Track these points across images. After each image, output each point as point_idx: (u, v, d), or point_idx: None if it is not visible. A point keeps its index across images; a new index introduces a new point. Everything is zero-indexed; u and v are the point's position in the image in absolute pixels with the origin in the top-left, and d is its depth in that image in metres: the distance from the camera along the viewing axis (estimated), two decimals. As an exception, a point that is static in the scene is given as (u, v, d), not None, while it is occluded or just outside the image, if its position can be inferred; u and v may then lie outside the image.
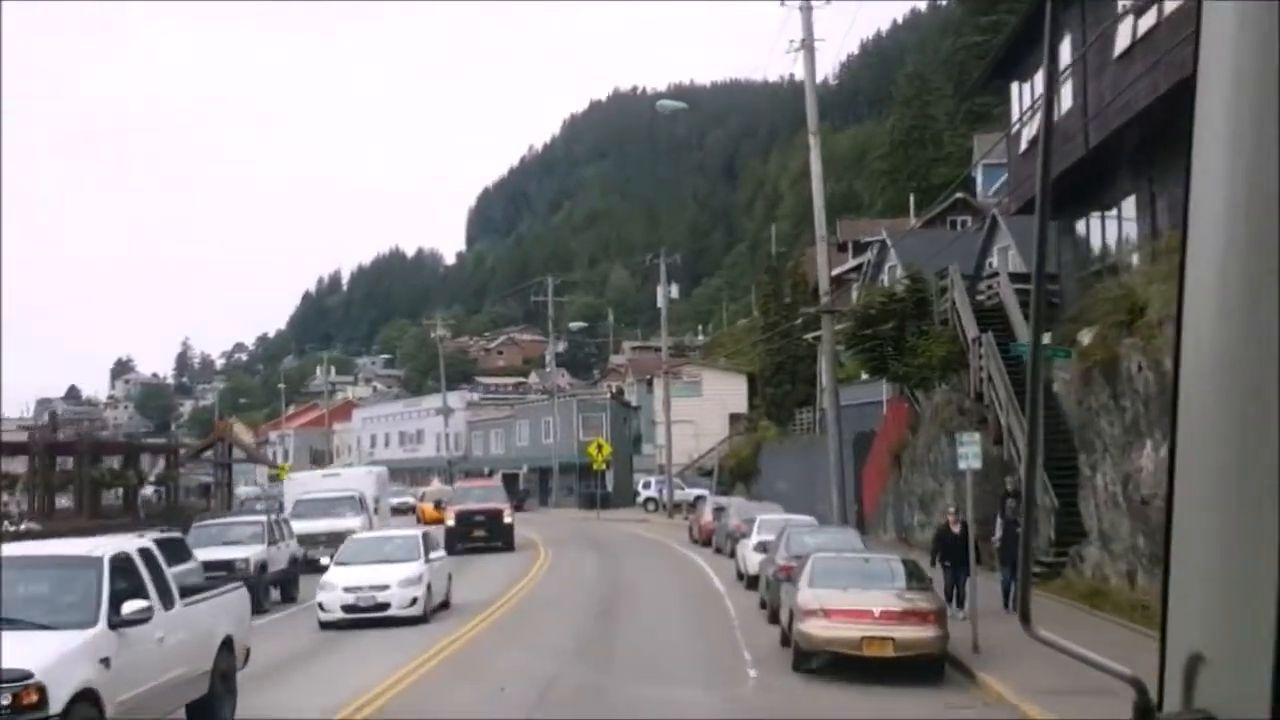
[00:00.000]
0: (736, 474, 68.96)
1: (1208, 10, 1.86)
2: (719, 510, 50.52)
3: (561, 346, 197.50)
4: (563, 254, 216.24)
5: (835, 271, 66.68)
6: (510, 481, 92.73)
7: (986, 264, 49.46)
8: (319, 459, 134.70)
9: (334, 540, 43.00)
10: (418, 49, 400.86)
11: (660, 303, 75.56)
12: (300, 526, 43.74)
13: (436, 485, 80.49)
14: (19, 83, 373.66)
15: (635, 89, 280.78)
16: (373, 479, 48.14)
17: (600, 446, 75.13)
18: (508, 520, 49.93)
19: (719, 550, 47.51)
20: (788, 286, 63.17)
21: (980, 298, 42.15)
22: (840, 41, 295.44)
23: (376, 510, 46.72)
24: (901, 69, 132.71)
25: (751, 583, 34.34)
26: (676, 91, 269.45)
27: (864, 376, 55.42)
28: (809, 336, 57.97)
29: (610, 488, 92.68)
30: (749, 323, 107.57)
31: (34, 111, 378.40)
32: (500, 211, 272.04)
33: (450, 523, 48.43)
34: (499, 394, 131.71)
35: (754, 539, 35.18)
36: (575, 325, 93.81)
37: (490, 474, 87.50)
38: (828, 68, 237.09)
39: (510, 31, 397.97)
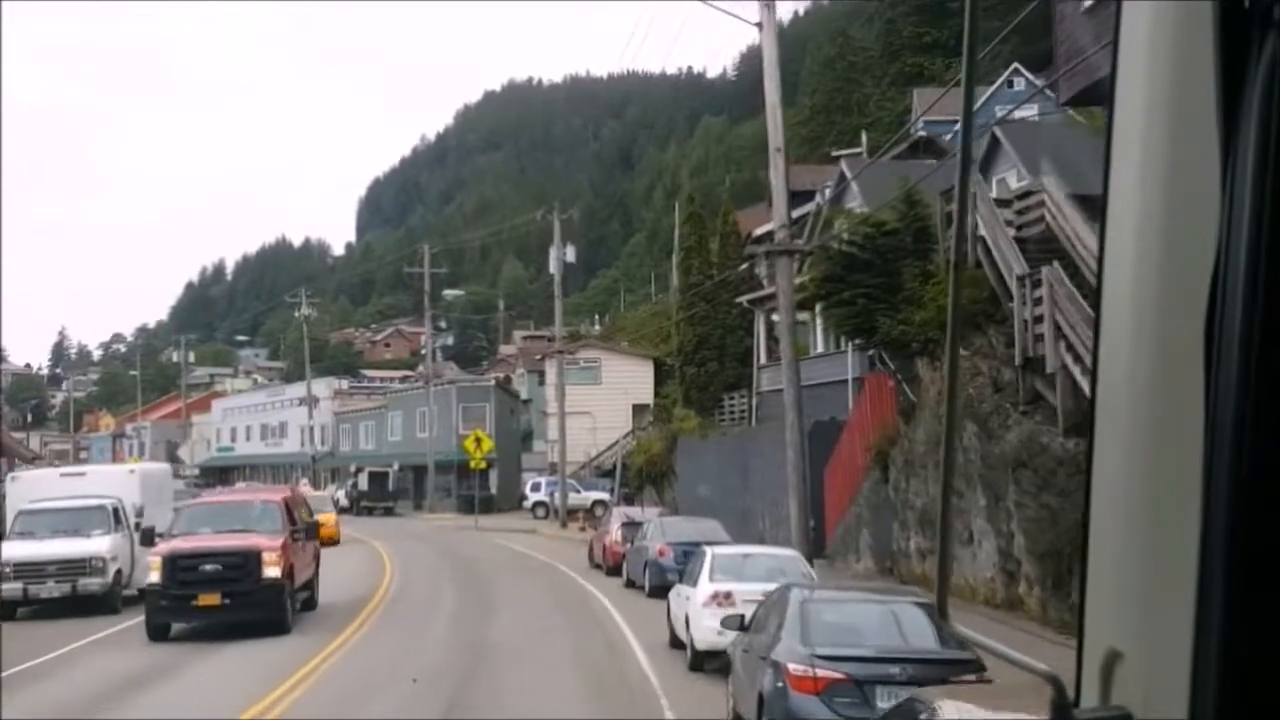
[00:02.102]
0: (645, 475, 54.23)
1: (1127, 10, 1.79)
2: (630, 526, 35.72)
3: (450, 339, 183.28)
4: (454, 245, 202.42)
5: (764, 229, 52.31)
6: (378, 480, 77.32)
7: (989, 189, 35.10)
8: (174, 454, 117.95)
9: (69, 571, 27.98)
10: (309, 33, 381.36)
11: (554, 266, 60.60)
12: (18, 551, 28.46)
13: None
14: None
15: (530, 80, 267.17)
16: (136, 482, 32.30)
17: (479, 440, 59.94)
18: (272, 572, 24.32)
19: (632, 583, 32.84)
20: (715, 238, 48.49)
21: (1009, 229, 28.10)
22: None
23: (139, 526, 31.33)
24: (805, 61, 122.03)
25: (699, 660, 19.96)
26: (571, 83, 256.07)
27: (817, 349, 40.88)
28: (745, 299, 43.34)
29: (494, 489, 77.49)
30: (654, 305, 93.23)
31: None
32: (391, 202, 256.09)
33: (154, 577, 24.88)
34: (373, 384, 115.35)
35: (704, 589, 20.41)
36: (451, 293, 78.42)
37: (308, 480, 72.05)
38: (726, 60, 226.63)
39: (402, 18, 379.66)
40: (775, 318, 45.96)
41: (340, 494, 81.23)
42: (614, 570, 35.57)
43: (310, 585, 27.84)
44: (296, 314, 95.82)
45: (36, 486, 31.87)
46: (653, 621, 24.73)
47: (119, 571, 29.88)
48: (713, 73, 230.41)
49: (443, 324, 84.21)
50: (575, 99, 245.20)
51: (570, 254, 61.69)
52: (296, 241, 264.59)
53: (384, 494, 77.96)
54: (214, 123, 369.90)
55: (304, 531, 26.83)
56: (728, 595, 19.65)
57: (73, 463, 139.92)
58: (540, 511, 67.25)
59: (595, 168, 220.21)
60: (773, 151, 31.58)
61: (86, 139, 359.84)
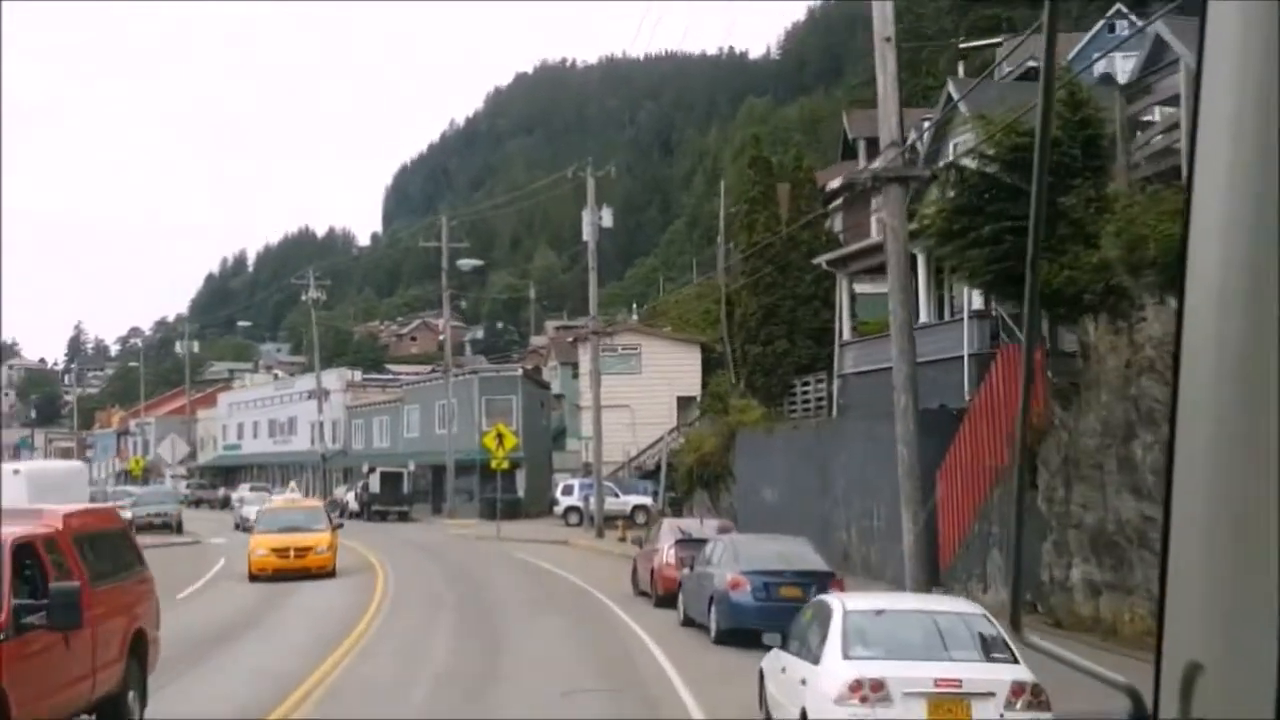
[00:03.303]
0: (696, 476, 46.31)
1: (1212, 9, 1.78)
2: (686, 544, 27.85)
3: (479, 333, 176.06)
4: (484, 233, 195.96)
5: (836, 183, 44.32)
6: (392, 482, 69.74)
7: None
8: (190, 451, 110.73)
9: None
10: (334, 18, 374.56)
11: (587, 233, 52.72)
12: None
13: (281, 498, 56.87)
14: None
15: (564, 61, 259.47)
16: (21, 487, 24.47)
17: (501, 436, 52.18)
18: None
19: (691, 622, 25.05)
20: (787, 188, 40.29)
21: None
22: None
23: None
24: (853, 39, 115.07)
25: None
26: (607, 64, 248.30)
27: (920, 319, 32.89)
28: (824, 259, 35.29)
29: (521, 492, 69.84)
30: (699, 286, 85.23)
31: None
32: (419, 190, 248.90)
33: None
34: (387, 375, 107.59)
35: (836, 672, 12.53)
36: (466, 263, 70.21)
37: (295, 484, 64.09)
38: (770, 39, 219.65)
39: (431, 1, 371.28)
40: (859, 288, 37.94)
41: (350, 497, 73.77)
42: (665, 601, 27.72)
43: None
44: (304, 297, 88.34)
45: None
46: (729, 686, 17.26)
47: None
48: (755, 53, 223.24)
49: (463, 303, 76.67)
50: (610, 81, 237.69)
51: (607, 217, 53.82)
52: (320, 231, 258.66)
53: (398, 497, 70.31)
54: (234, 109, 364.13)
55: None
56: (878, 685, 11.85)
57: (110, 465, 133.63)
58: (573, 518, 59.54)
59: (631, 152, 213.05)
60: (879, 42, 24.10)
61: (102, 129, 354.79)
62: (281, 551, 34.86)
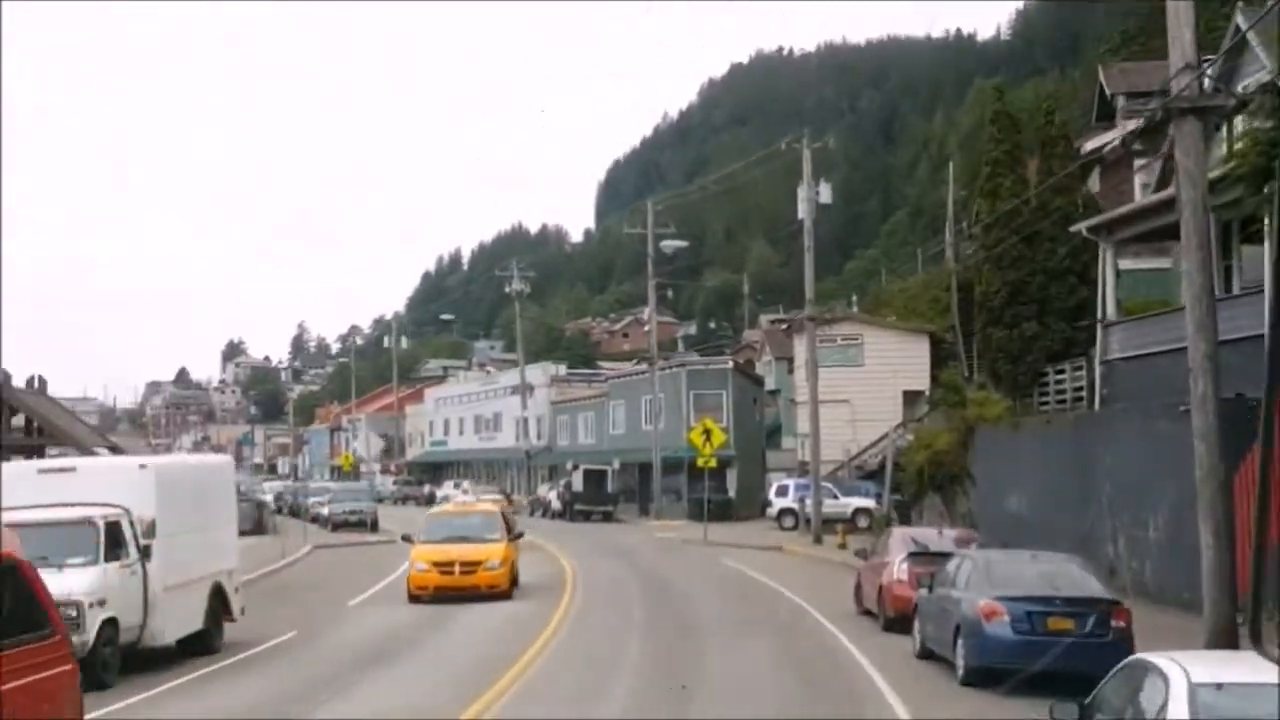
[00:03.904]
0: (928, 478, 41.43)
1: None
2: (922, 559, 23.35)
3: (691, 329, 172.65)
4: (696, 227, 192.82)
5: (1094, 144, 39.00)
6: (595, 480, 66.30)
7: None
8: (390, 448, 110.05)
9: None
10: (546, 16, 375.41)
11: (803, 210, 48.24)
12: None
13: (453, 501, 53.34)
14: (137, 59, 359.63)
15: (780, 50, 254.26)
16: (149, 483, 21.09)
17: (708, 432, 48.10)
18: None
19: (929, 654, 20.55)
20: (1036, 145, 35.03)
21: None
22: None
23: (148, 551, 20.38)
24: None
25: None
26: (826, 51, 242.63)
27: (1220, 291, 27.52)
28: (1083, 227, 30.10)
29: (732, 492, 65.67)
30: (926, 275, 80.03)
31: (149, 90, 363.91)
32: (631, 185, 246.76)
33: None
34: (593, 369, 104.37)
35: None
36: (670, 245, 66.31)
37: (468, 484, 60.49)
38: (1000, 18, 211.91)
39: None
40: (1124, 264, 32.67)
41: (553, 496, 70.70)
42: (895, 624, 23.27)
43: None
44: (508, 289, 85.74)
45: (4, 488, 21.19)
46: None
47: (109, 623, 19.11)
48: (984, 34, 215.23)
49: (669, 292, 72.80)
50: (829, 68, 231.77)
51: (825, 193, 49.31)
52: (533, 228, 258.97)
53: (601, 496, 66.75)
54: (454, 106, 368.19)
55: None
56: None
57: (293, 459, 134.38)
58: (787, 521, 55.07)
59: (851, 141, 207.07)
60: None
61: (329, 132, 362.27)
62: (444, 566, 29.41)
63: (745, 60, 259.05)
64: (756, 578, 35.00)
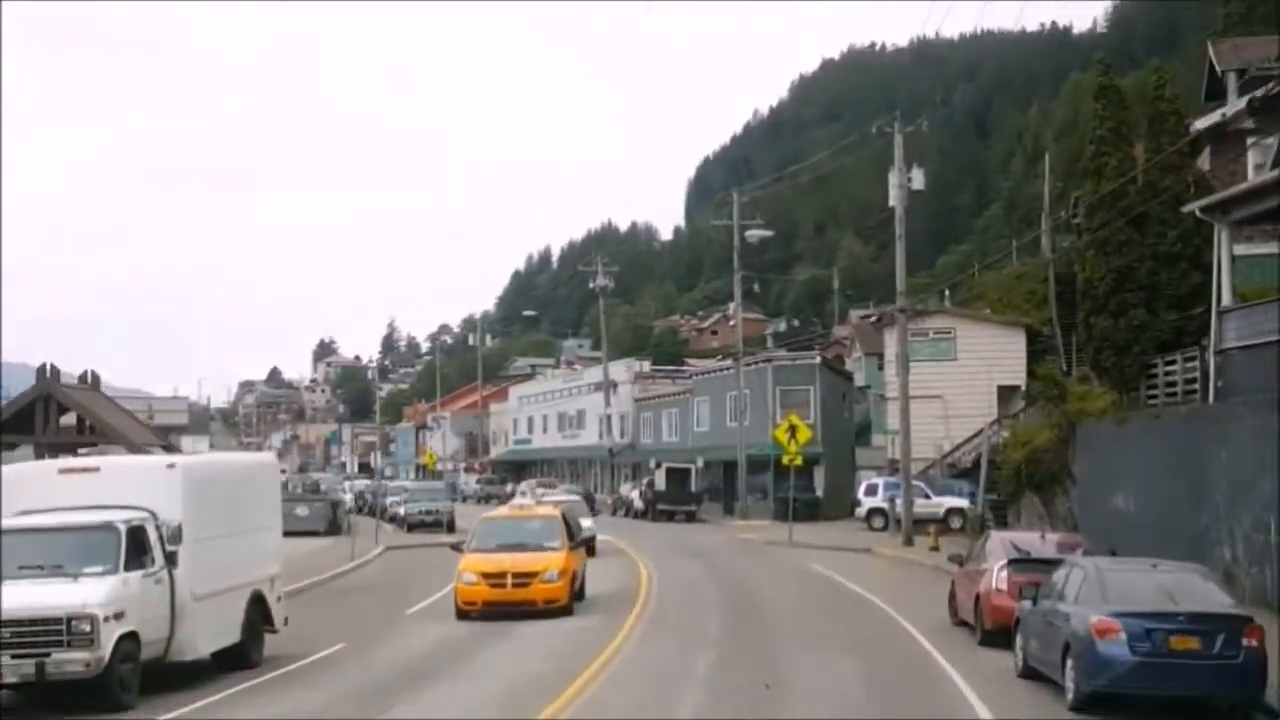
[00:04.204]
0: (1025, 477, 39.00)
1: None
2: (1024, 566, 21.18)
3: (780, 326, 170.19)
4: (786, 223, 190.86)
5: (1204, 124, 36.43)
6: (678, 479, 64.42)
7: None
8: (474, 447, 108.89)
9: (33, 640, 16.73)
10: (634, 14, 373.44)
11: (894, 197, 45.88)
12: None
13: (513, 502, 51.31)
14: (234, 67, 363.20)
15: (873, 45, 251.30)
16: (177, 483, 19.30)
17: (794, 428, 46.00)
18: None
19: (1034, 673, 18.40)
20: (1144, 123, 32.42)
21: None
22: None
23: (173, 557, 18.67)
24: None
25: None
26: (919, 46, 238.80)
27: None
28: (1197, 206, 27.50)
29: (820, 491, 63.52)
30: (1022, 267, 77.38)
31: (241, 96, 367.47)
32: (720, 182, 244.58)
33: None
34: (676, 367, 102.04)
35: None
36: (755, 234, 64.08)
37: (533, 483, 58.70)
38: (1097, 11, 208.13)
39: None
40: (1238, 249, 30.09)
41: (635, 495, 68.87)
42: (993, 638, 21.12)
43: None
44: (591, 284, 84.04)
45: (24, 488, 19.60)
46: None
47: (128, 637, 17.42)
48: (1080, 27, 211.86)
49: (755, 286, 70.02)
50: (922, 63, 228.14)
51: (918, 179, 46.90)
52: (623, 226, 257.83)
53: (684, 496, 64.73)
54: (542, 105, 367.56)
55: None
56: None
57: (380, 458, 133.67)
58: (876, 521, 52.80)
59: (944, 135, 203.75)
60: None
61: (421, 132, 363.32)
62: (495, 579, 25.88)
63: (837, 56, 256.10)
64: (843, 583, 32.89)
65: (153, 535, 18.57)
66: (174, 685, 18.59)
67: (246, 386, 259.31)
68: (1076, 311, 37.83)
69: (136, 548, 18.23)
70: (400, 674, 19.90)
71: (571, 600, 26.59)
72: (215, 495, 20.29)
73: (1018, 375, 57.69)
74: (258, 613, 21.21)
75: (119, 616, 17.24)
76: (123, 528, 18.15)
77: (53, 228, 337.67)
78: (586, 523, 43.30)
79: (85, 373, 33.70)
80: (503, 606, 25.67)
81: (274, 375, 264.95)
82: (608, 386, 78.35)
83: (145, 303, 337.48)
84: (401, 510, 58.74)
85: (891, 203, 46.31)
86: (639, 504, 66.76)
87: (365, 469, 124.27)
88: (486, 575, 25.95)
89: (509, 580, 25.81)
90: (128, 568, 17.85)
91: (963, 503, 50.64)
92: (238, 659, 20.39)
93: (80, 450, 25.19)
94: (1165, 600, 16.16)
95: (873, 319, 69.94)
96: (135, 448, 29.52)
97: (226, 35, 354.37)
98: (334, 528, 51.80)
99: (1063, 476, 36.60)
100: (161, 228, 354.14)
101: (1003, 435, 47.84)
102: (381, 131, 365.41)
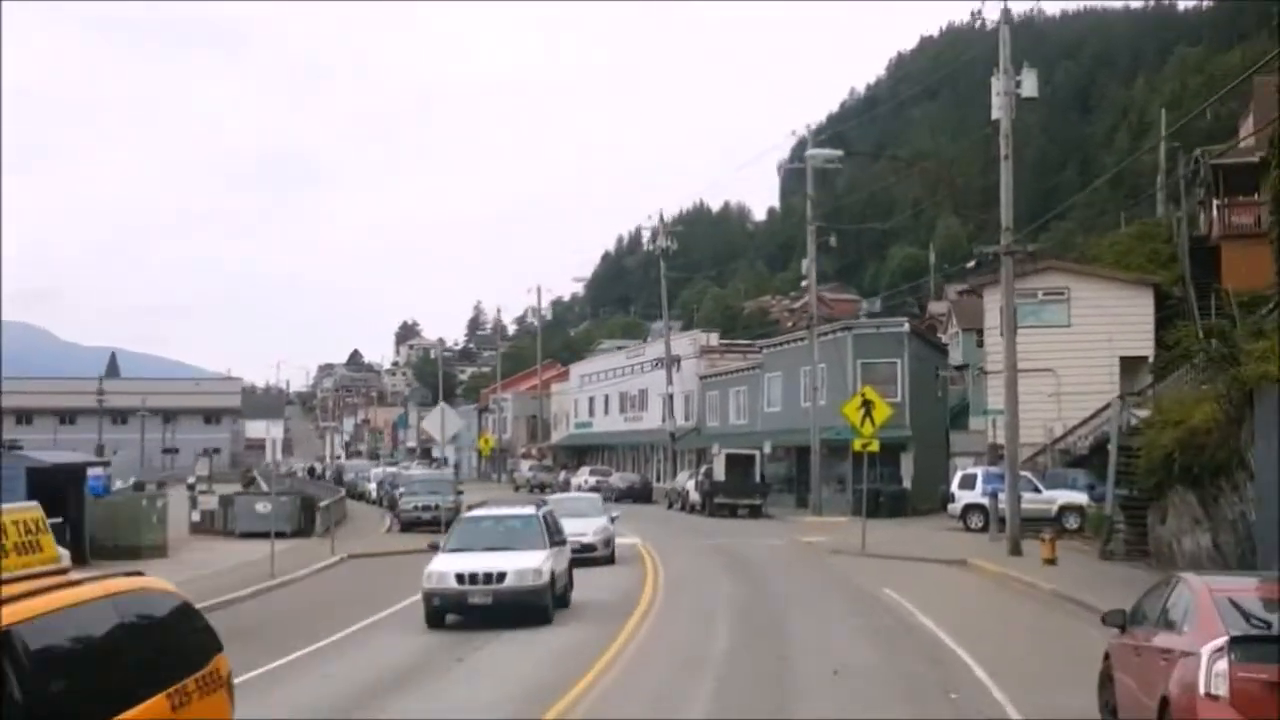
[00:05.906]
0: (1174, 467, 27.96)
1: None
2: (1259, 647, 10.26)
3: (876, 305, 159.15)
4: (883, 202, 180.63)
5: None
6: (740, 467, 53.74)
7: None
8: (534, 431, 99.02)
9: None
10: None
11: (997, 107, 35.31)
12: None
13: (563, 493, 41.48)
14: (316, 64, 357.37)
15: (973, 21, 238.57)
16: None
17: (868, 404, 35.32)
18: None
19: None
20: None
21: None
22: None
23: None
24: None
25: None
26: (1021, 22, 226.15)
27: None
28: None
29: (907, 481, 52.70)
30: (1140, 225, 66.10)
31: (330, 95, 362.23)
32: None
33: None
34: (747, 341, 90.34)
35: None
36: (817, 153, 53.29)
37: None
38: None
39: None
40: None
41: (690, 485, 58.12)
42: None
43: None
44: (650, 247, 73.86)
45: None
46: None
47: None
48: (1184, 2, 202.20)
49: (830, 236, 59.92)
50: (1022, 39, 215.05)
51: (1030, 84, 36.65)
52: (715, 207, 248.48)
53: (748, 487, 53.19)
54: (634, 90, 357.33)
55: None
56: None
57: (404, 442, 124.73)
58: (974, 520, 41.93)
59: (1046, 111, 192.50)
60: None
61: (512, 111, 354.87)
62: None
63: (935, 34, 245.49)
64: (923, 625, 21.97)
65: None
66: None
67: (325, 370, 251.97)
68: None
69: None
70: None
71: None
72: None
73: (1144, 344, 46.72)
74: None
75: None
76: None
77: (160, 221, 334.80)
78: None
79: None
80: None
81: (354, 358, 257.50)
82: (669, 361, 67.85)
83: (234, 289, 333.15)
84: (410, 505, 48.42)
85: (995, 114, 35.73)
86: (695, 496, 55.88)
87: (427, 455, 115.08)
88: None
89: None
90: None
91: (1080, 498, 39.92)
92: None
93: None
94: None
95: (970, 293, 58.68)
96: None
97: (319, 39, 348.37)
98: (304, 528, 41.76)
99: (1233, 467, 25.48)
100: (256, 225, 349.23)
101: (1136, 415, 36.64)
102: (470, 122, 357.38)
